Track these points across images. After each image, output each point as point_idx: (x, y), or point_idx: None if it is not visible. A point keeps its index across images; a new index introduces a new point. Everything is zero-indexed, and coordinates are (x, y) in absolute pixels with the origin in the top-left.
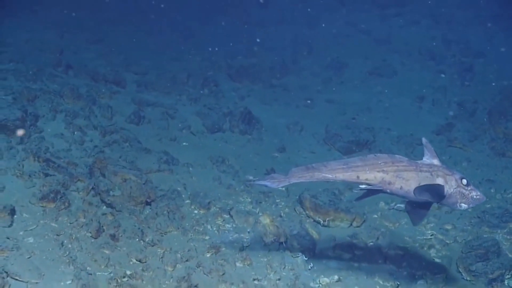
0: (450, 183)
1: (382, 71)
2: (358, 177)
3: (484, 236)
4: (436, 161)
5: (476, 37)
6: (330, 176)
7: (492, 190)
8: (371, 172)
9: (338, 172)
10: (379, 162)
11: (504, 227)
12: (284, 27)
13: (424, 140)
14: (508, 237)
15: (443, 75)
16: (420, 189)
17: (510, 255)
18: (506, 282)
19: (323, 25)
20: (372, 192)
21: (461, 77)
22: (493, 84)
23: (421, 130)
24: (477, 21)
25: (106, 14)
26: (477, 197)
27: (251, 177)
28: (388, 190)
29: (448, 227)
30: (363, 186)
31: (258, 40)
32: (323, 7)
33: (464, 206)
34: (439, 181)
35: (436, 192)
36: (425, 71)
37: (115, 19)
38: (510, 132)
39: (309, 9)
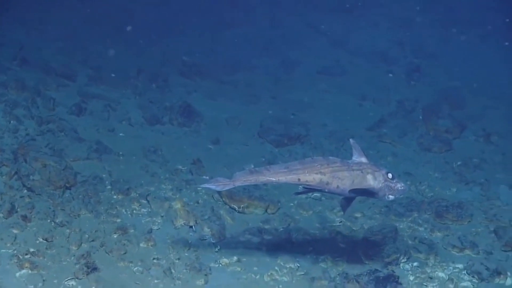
0: (379, 179)
1: (331, 70)
2: (299, 179)
3: (388, 223)
4: (364, 159)
5: (431, 40)
6: (274, 179)
7: (408, 182)
8: (310, 174)
9: (280, 175)
10: (316, 165)
11: (409, 216)
12: (249, 27)
13: (351, 140)
14: (411, 225)
15: (391, 75)
16: (354, 187)
17: (409, 241)
18: (401, 265)
19: (285, 26)
20: (311, 189)
21: (408, 77)
22: (438, 84)
23: (357, 126)
24: (434, 25)
25: (76, 12)
26: (402, 188)
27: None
28: (326, 190)
29: (358, 215)
30: (303, 188)
31: (221, 39)
32: (288, 9)
33: (391, 197)
34: (369, 177)
35: (368, 188)
36: (375, 71)
37: (86, 17)
38: (440, 129)
39: (275, 11)
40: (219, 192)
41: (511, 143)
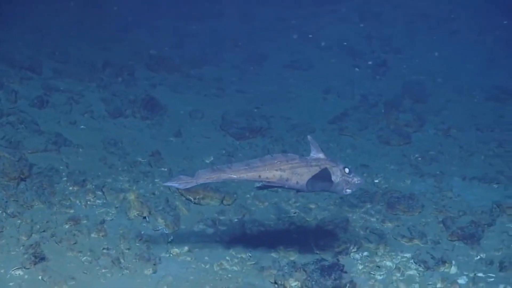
0: (336, 174)
1: (298, 64)
2: (260, 176)
3: (340, 214)
4: (321, 155)
5: (399, 35)
6: (235, 176)
7: (364, 174)
8: (270, 171)
9: (241, 172)
10: (276, 162)
11: (362, 207)
12: (220, 21)
13: (309, 137)
14: (363, 215)
15: (357, 69)
16: (313, 182)
17: (361, 232)
18: (351, 255)
19: (256, 20)
20: (271, 185)
21: (374, 71)
22: (403, 79)
23: (320, 119)
24: (403, 20)
25: (47, 5)
26: (358, 182)
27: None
28: (286, 186)
29: (312, 206)
30: (263, 184)
31: (190, 33)
32: (260, 3)
33: (348, 191)
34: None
35: (326, 183)
36: (341, 65)
37: (57, 10)
38: (400, 123)
39: (246, 5)
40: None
41: (469, 137)
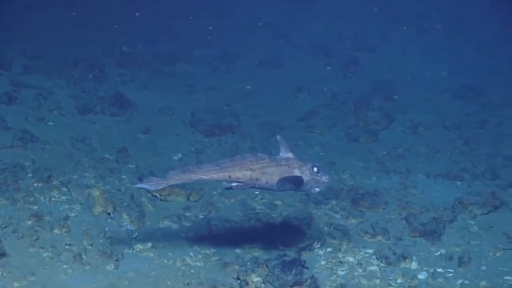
0: (305, 173)
1: (271, 62)
2: (230, 176)
3: (304, 211)
4: (290, 155)
5: (371, 34)
6: (206, 177)
7: (331, 172)
8: (240, 171)
9: (212, 173)
10: (246, 162)
11: (327, 204)
12: (193, 18)
13: (278, 137)
14: (328, 212)
15: (328, 67)
16: (283, 182)
17: (325, 228)
18: (315, 251)
19: (230, 17)
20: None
21: (345, 69)
22: (373, 77)
23: (289, 117)
24: (375, 19)
25: (21, 3)
26: (326, 180)
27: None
28: (256, 185)
29: (278, 202)
30: (235, 184)
31: (164, 30)
32: (234, 1)
33: (317, 189)
34: (296, 172)
35: (295, 182)
36: (313, 63)
37: (29, 6)
38: (369, 121)
39: (221, 2)
40: (141, 180)
41: (436, 135)
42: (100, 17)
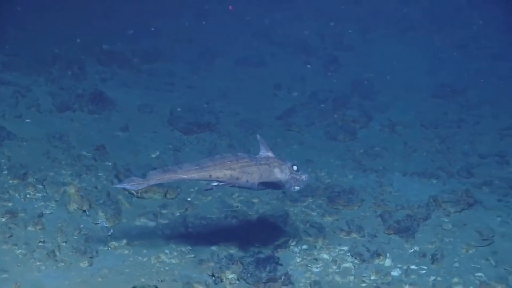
0: (285, 171)
1: (251, 60)
2: (210, 175)
3: (280, 208)
4: (270, 154)
5: (352, 33)
6: (186, 176)
7: (309, 169)
8: (220, 170)
9: (192, 172)
10: (226, 161)
11: (304, 201)
12: (175, 16)
13: (258, 136)
14: (304, 209)
15: (309, 66)
16: (263, 181)
17: (301, 225)
18: (290, 248)
19: (211, 16)
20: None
21: (325, 68)
22: (353, 76)
23: (268, 115)
24: (356, 19)
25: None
26: (306, 179)
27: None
28: (236, 184)
29: (255, 200)
30: (215, 184)
31: (145, 28)
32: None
33: (297, 188)
34: (276, 171)
35: (276, 181)
36: (293, 62)
37: (9, 2)
38: (347, 119)
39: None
40: (117, 178)
41: (413, 133)
42: (80, 14)
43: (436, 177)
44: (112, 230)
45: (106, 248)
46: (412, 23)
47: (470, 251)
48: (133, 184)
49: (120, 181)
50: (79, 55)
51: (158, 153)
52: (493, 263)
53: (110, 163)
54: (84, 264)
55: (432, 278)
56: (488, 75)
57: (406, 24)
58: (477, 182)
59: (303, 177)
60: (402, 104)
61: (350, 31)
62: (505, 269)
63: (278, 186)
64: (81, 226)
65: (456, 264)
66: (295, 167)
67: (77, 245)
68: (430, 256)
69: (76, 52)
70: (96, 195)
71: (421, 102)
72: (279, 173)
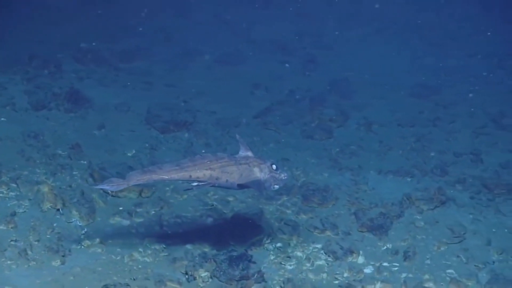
0: (264, 171)
1: (230, 59)
2: (190, 176)
3: (255, 206)
4: (250, 153)
5: (331, 32)
6: (166, 177)
7: (285, 168)
8: (200, 170)
9: (172, 173)
10: (206, 161)
11: (279, 199)
12: (154, 15)
13: (237, 136)
14: (279, 208)
15: (287, 65)
16: (243, 180)
17: (276, 224)
18: (265, 246)
19: (191, 14)
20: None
21: (304, 67)
22: (331, 75)
23: (245, 114)
24: (335, 18)
25: None
26: (285, 177)
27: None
28: (216, 184)
29: (230, 198)
30: (195, 184)
31: (124, 26)
32: None
33: (276, 187)
34: (256, 170)
35: (256, 181)
36: (272, 61)
37: None
38: (324, 118)
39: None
40: (92, 177)
41: (390, 132)
42: (58, 12)
43: (411, 175)
44: (86, 229)
45: (79, 247)
46: (390, 22)
47: (442, 248)
48: (113, 185)
49: (95, 180)
50: (56, 54)
51: (134, 151)
52: (464, 260)
53: (85, 162)
54: (56, 263)
55: (404, 275)
56: (464, 74)
57: (385, 23)
58: (451, 180)
59: (282, 175)
60: (379, 103)
61: (329, 30)
62: (475, 265)
63: (258, 185)
64: (54, 225)
65: (428, 261)
66: (274, 166)
67: (49, 244)
68: (403, 253)
69: (53, 51)
70: (70, 194)
71: (398, 101)
72: (259, 172)
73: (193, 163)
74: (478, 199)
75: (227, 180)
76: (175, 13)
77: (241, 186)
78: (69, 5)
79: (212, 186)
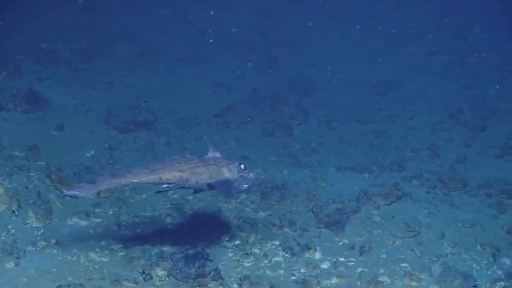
0: (233, 171)
1: (192, 58)
2: (160, 178)
3: (213, 205)
4: (218, 154)
5: (294, 30)
6: (136, 180)
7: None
8: (170, 172)
9: (142, 176)
10: (175, 163)
11: (238, 197)
12: (117, 15)
13: (205, 137)
14: (238, 206)
15: (250, 64)
16: (212, 181)
17: (235, 221)
18: (223, 243)
19: (153, 13)
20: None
21: (266, 66)
22: (293, 73)
23: (207, 113)
24: (298, 16)
25: None
26: (253, 177)
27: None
28: (187, 185)
29: (190, 197)
30: (165, 186)
31: (85, 26)
32: None
33: (245, 186)
34: (225, 170)
35: (226, 181)
36: (235, 60)
37: None
38: (285, 116)
39: None
40: (49, 178)
41: (350, 129)
42: (18, 13)
43: (369, 171)
44: (42, 230)
45: (34, 248)
46: (353, 19)
47: (397, 243)
48: (83, 190)
49: (52, 182)
50: (15, 55)
51: (93, 152)
52: (418, 253)
53: (43, 163)
54: (10, 264)
55: (359, 269)
56: (423, 71)
57: (346, 21)
58: (408, 176)
59: (251, 175)
60: (340, 100)
61: (292, 28)
62: (429, 259)
63: (227, 185)
64: (9, 226)
65: (383, 256)
66: (242, 166)
67: (3, 246)
68: (359, 248)
69: (13, 52)
70: (26, 195)
71: (358, 98)
72: (228, 173)
73: (163, 166)
74: (433, 193)
75: (197, 181)
76: (137, 12)
77: (210, 187)
78: (30, 5)
79: (182, 187)
